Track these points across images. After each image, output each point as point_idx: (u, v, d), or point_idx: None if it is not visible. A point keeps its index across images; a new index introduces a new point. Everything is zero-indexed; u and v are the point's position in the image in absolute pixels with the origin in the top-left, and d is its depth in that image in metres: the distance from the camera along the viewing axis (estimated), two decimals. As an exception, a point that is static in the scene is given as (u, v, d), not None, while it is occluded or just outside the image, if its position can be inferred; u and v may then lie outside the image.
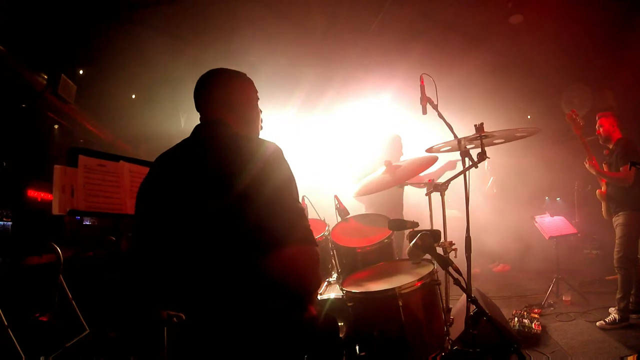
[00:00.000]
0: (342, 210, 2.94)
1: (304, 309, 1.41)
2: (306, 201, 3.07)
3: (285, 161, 1.41)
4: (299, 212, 1.35)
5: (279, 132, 5.72)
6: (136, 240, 1.43)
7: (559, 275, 4.37)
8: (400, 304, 2.03)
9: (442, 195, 2.41)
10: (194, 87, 1.56)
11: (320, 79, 5.70)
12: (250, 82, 1.62)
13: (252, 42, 4.95)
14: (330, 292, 2.57)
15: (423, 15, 4.85)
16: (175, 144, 1.50)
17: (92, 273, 3.79)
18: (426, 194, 2.53)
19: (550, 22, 4.84)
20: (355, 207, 3.69)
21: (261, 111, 1.67)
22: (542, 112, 6.45)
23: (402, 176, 2.64)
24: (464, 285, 1.95)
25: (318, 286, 1.41)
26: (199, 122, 1.55)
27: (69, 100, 4.94)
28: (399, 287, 2.05)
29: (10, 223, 4.09)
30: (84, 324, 3.31)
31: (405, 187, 3.84)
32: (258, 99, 1.64)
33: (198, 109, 1.55)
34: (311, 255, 1.33)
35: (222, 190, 1.30)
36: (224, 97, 1.51)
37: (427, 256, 2.05)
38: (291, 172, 1.40)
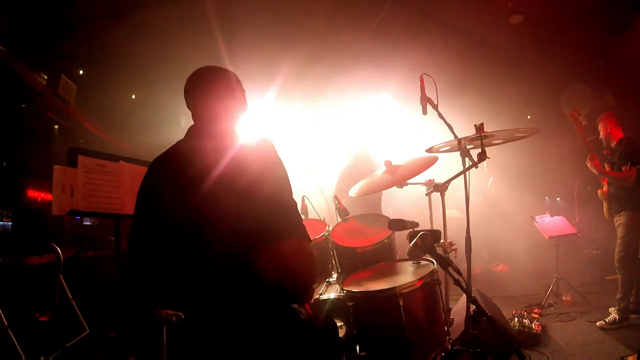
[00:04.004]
0: (342, 211, 2.94)
1: (301, 305, 1.41)
2: (306, 201, 3.08)
3: (280, 159, 1.41)
4: (297, 210, 1.37)
5: (279, 132, 5.72)
6: (135, 241, 1.42)
7: (559, 275, 4.37)
8: (401, 303, 2.03)
9: (442, 196, 2.41)
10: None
11: (320, 80, 5.70)
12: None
13: (251, 43, 4.95)
14: (330, 292, 2.57)
15: (423, 15, 4.85)
16: (171, 146, 1.49)
17: (92, 273, 3.79)
18: (426, 194, 2.53)
19: (550, 22, 4.84)
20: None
21: None
22: (542, 112, 6.45)
23: (402, 176, 2.63)
24: (464, 285, 1.95)
25: (314, 280, 1.45)
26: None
27: (69, 100, 4.95)
28: (400, 286, 2.05)
29: (10, 223, 4.08)
30: (84, 324, 3.31)
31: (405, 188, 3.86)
32: None
33: (192, 107, 1.51)
34: (309, 250, 1.36)
35: (225, 191, 1.30)
36: (223, 96, 1.48)
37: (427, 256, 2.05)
38: (286, 171, 1.41)
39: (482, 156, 2.22)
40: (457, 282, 1.85)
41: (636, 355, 2.81)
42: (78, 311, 3.31)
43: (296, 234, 1.33)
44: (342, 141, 4.87)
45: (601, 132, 3.73)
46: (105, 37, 4.62)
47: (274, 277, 1.29)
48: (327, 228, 2.78)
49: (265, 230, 1.28)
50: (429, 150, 2.52)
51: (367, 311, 2.16)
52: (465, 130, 2.34)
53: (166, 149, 1.51)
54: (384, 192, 4.16)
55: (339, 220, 2.95)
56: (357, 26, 5.01)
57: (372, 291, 2.14)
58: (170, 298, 1.37)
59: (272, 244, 1.28)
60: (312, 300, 2.43)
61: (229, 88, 1.50)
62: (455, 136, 2.33)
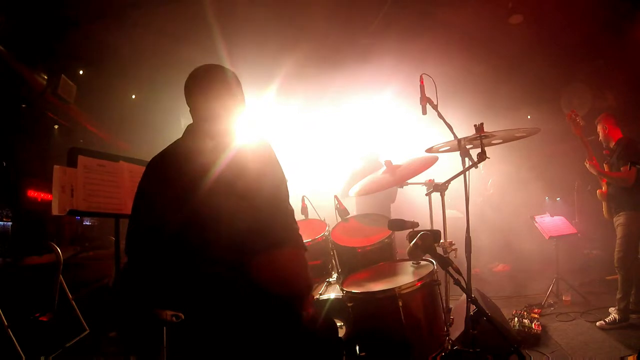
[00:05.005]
0: (342, 210, 2.95)
1: (303, 309, 1.41)
2: (306, 201, 3.08)
3: (277, 161, 1.41)
4: (289, 215, 1.36)
5: (279, 132, 5.72)
6: (134, 241, 1.41)
7: (559, 275, 4.37)
8: (400, 304, 2.03)
9: (442, 196, 2.41)
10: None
11: (320, 80, 5.69)
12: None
13: (251, 43, 4.95)
14: (330, 292, 2.57)
15: (423, 15, 4.85)
16: (169, 145, 1.48)
17: (92, 273, 3.79)
18: (426, 194, 2.53)
19: (550, 22, 4.84)
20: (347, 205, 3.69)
21: None
22: (541, 112, 6.45)
23: (402, 176, 2.63)
24: (464, 285, 1.95)
25: (311, 287, 1.43)
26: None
27: (69, 100, 4.95)
28: (399, 287, 2.05)
29: (10, 223, 4.09)
30: (84, 324, 3.31)
31: (405, 188, 3.87)
32: None
33: (191, 106, 1.50)
34: (301, 258, 1.36)
35: (223, 192, 1.30)
36: (221, 96, 1.47)
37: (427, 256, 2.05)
38: (283, 173, 1.41)
39: (482, 156, 2.21)
40: (457, 282, 1.85)
41: (636, 355, 2.81)
42: (78, 311, 3.31)
43: (290, 241, 1.33)
44: (352, 143, 4.89)
45: (600, 133, 3.73)
46: (105, 37, 4.61)
47: (266, 283, 1.29)
48: (327, 228, 2.79)
49: (262, 232, 1.28)
50: (429, 150, 2.52)
51: (366, 312, 2.16)
52: (465, 130, 2.34)
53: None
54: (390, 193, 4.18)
55: (339, 220, 2.95)
56: (357, 26, 5.01)
57: (371, 292, 2.15)
58: (170, 299, 1.37)
59: (267, 251, 1.28)
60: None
61: (228, 87, 1.49)
62: (455, 136, 2.32)
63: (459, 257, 2.20)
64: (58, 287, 3.14)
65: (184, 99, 1.53)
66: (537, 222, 4.63)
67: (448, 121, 2.37)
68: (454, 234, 2.39)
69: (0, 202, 4.23)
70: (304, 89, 5.67)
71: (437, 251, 1.88)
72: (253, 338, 1.29)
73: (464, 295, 2.27)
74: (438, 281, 2.21)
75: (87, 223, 5.53)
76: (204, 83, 1.48)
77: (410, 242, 1.86)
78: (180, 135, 1.51)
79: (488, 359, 2.18)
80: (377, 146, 4.39)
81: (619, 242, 3.50)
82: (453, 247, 2.26)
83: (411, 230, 1.98)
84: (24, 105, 4.88)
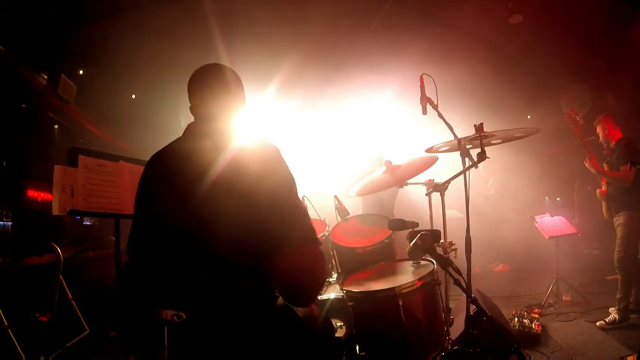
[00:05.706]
0: (342, 211, 2.95)
1: (306, 307, 1.41)
2: (306, 201, 3.08)
3: (284, 162, 1.40)
4: (301, 212, 1.35)
5: (279, 133, 5.71)
6: (135, 240, 1.42)
7: (559, 275, 4.37)
8: (401, 303, 2.03)
9: (442, 195, 2.41)
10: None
11: (320, 80, 5.70)
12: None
13: (251, 43, 4.95)
14: (330, 292, 2.57)
15: (423, 15, 4.86)
16: (169, 144, 1.47)
17: (92, 273, 3.79)
18: (426, 194, 2.53)
19: (550, 22, 4.85)
20: (352, 205, 3.69)
21: None
22: (541, 112, 6.46)
23: (402, 176, 2.63)
24: (464, 285, 1.95)
25: (322, 285, 1.41)
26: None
27: (69, 100, 4.95)
28: (399, 286, 2.05)
29: (10, 223, 4.09)
30: (84, 324, 3.31)
31: (405, 187, 3.87)
32: None
33: (191, 106, 1.50)
34: (315, 254, 1.32)
35: (223, 192, 1.30)
36: (219, 95, 1.46)
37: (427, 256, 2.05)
38: (290, 173, 1.39)
39: (482, 156, 2.21)
40: (457, 282, 1.85)
41: (636, 355, 2.81)
42: (78, 311, 3.31)
43: (299, 236, 1.30)
44: (352, 143, 4.89)
45: (600, 134, 3.73)
46: (105, 37, 4.62)
47: (275, 281, 1.29)
48: (327, 228, 2.79)
49: (265, 232, 1.28)
50: (429, 150, 2.52)
51: (367, 311, 2.16)
52: (465, 130, 2.34)
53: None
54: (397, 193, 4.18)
55: (339, 220, 2.95)
56: (357, 26, 5.01)
57: (372, 291, 2.14)
58: (171, 299, 1.37)
59: (276, 247, 1.27)
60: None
61: (226, 86, 1.48)
62: (455, 136, 2.32)
63: (459, 257, 2.20)
64: (58, 287, 3.14)
65: (184, 98, 1.53)
66: (537, 222, 4.63)
67: (448, 121, 2.37)
68: (454, 234, 2.39)
69: (0, 202, 4.22)
70: (304, 89, 5.67)
71: (437, 251, 1.88)
72: (253, 337, 1.29)
73: (464, 295, 2.28)
74: (438, 281, 2.20)
75: (87, 223, 5.52)
76: (203, 82, 1.48)
77: (410, 242, 1.86)
78: (180, 134, 1.51)
79: (488, 359, 2.18)
80: (382, 146, 4.38)
81: (619, 242, 3.50)
82: (453, 247, 2.26)
83: (411, 230, 1.98)
84: (24, 105, 4.88)
